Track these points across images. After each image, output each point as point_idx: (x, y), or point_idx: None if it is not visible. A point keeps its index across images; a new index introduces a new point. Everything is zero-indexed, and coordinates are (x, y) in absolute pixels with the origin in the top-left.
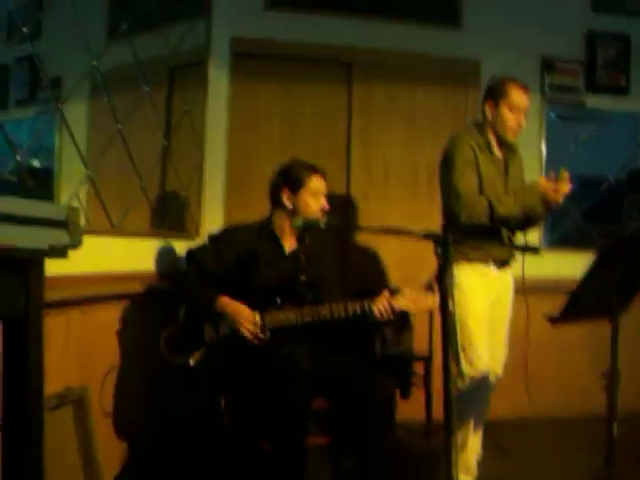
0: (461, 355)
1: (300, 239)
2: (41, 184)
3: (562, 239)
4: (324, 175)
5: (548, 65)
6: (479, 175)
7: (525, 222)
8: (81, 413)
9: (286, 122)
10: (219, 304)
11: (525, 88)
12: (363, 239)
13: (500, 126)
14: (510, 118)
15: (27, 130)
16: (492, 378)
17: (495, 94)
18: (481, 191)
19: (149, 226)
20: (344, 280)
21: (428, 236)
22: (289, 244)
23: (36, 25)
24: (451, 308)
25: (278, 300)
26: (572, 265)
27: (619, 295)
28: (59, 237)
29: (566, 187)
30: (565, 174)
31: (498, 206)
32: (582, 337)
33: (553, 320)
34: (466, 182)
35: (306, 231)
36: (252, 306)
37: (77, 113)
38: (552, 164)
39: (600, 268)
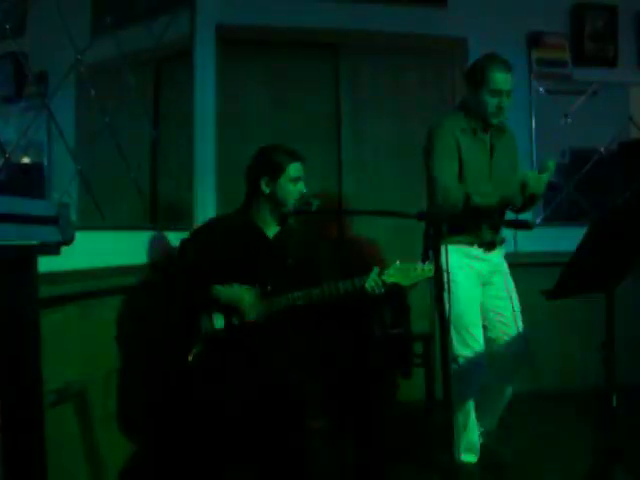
0: (454, 337)
1: (283, 224)
2: (32, 180)
3: (555, 213)
4: (303, 160)
5: (534, 40)
6: (461, 159)
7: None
8: (82, 408)
9: (275, 107)
10: (215, 294)
11: (506, 69)
12: (357, 221)
13: (480, 111)
14: (490, 103)
15: (14, 127)
16: (514, 355)
17: (475, 80)
18: (462, 175)
19: (142, 218)
20: (340, 262)
21: (420, 216)
22: (272, 230)
23: (20, 21)
24: (445, 287)
25: (269, 287)
26: (567, 239)
27: (613, 267)
28: (50, 234)
29: (546, 177)
30: (551, 166)
31: (474, 195)
32: (580, 309)
33: (547, 294)
34: (443, 169)
35: (294, 215)
36: None
37: (64, 108)
38: (542, 139)
39: (593, 240)
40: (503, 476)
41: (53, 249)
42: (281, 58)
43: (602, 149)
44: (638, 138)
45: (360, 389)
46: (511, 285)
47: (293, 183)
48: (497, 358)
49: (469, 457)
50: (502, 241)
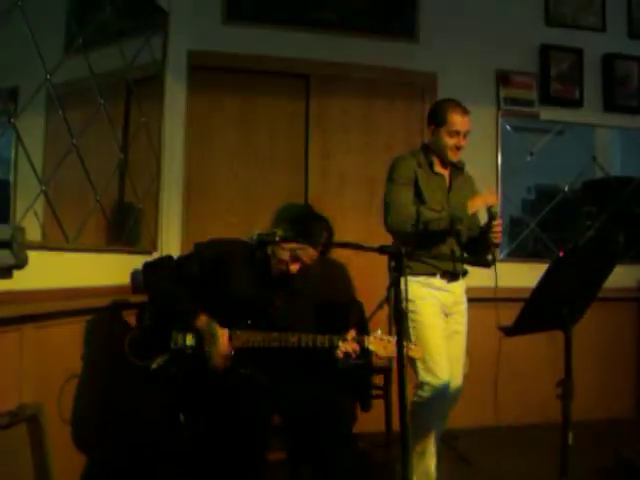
0: (420, 366)
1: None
2: None
3: (519, 249)
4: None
5: (503, 78)
6: (419, 190)
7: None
8: (35, 430)
9: (243, 134)
10: (199, 322)
11: (465, 112)
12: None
13: (439, 149)
14: (449, 142)
15: None
16: (453, 391)
17: (436, 120)
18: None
19: (106, 240)
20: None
21: (383, 250)
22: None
23: None
24: (405, 318)
25: (249, 322)
26: (529, 275)
27: (572, 306)
28: (3, 257)
29: (491, 199)
30: (493, 211)
31: (424, 213)
32: (540, 345)
33: (506, 331)
34: (397, 193)
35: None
36: (222, 320)
37: (34, 126)
38: (508, 175)
39: (553, 278)
40: None
41: (5, 273)
42: (252, 86)
43: (566, 187)
44: (601, 178)
45: (320, 420)
46: (466, 320)
47: (283, 250)
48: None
49: None
50: (464, 273)
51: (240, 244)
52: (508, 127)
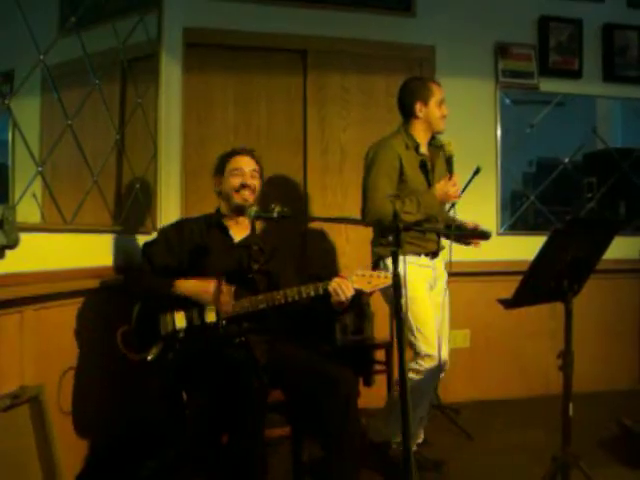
0: (417, 336)
1: (252, 228)
2: None
3: (519, 223)
4: (248, 153)
5: (501, 50)
6: (404, 175)
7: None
8: (37, 412)
9: (241, 111)
10: (177, 287)
11: (439, 83)
12: (319, 226)
13: (433, 121)
14: (440, 112)
15: None
16: (443, 363)
17: (423, 94)
18: (403, 189)
19: (106, 221)
20: (302, 268)
21: (379, 225)
22: (239, 233)
23: None
24: (404, 292)
25: (232, 289)
26: (530, 249)
27: (571, 277)
28: None
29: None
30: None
31: (401, 213)
32: (542, 318)
33: (506, 303)
34: (378, 189)
35: (257, 220)
36: None
37: (30, 108)
38: (507, 148)
39: (551, 250)
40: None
41: None
42: (248, 62)
43: (566, 160)
44: (602, 149)
45: (324, 395)
46: (446, 293)
47: (232, 175)
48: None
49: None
50: (442, 248)
51: (201, 219)
52: (507, 100)
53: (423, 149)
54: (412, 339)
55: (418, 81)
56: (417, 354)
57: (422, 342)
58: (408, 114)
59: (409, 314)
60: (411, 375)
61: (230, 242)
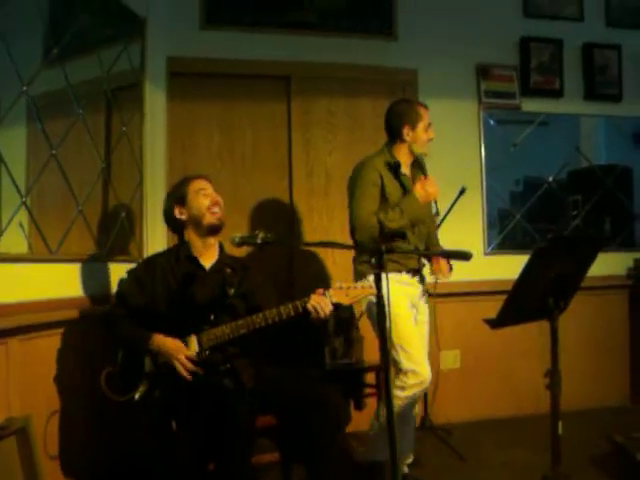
0: (400, 353)
1: (220, 251)
2: None
3: (507, 242)
4: (202, 176)
5: (483, 72)
6: (385, 192)
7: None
8: (25, 443)
9: (225, 138)
10: (153, 343)
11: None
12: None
13: (419, 144)
14: (427, 136)
15: None
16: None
17: (411, 118)
18: (383, 206)
19: (91, 250)
20: (288, 289)
21: (362, 248)
22: (208, 259)
23: None
24: (387, 311)
25: (212, 317)
26: (518, 267)
27: (556, 295)
28: None
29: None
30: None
31: (386, 222)
32: (531, 337)
33: (491, 323)
34: (363, 207)
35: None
36: (187, 328)
37: (16, 138)
38: (492, 168)
39: (534, 269)
40: None
41: None
42: (232, 90)
43: (550, 178)
44: (585, 167)
45: (310, 422)
46: (426, 311)
47: (198, 195)
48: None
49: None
50: (423, 265)
51: (170, 252)
52: (491, 121)
53: (405, 169)
54: (395, 356)
55: (406, 104)
56: (400, 370)
57: (405, 358)
58: (394, 136)
59: (392, 332)
60: (397, 393)
61: (202, 271)
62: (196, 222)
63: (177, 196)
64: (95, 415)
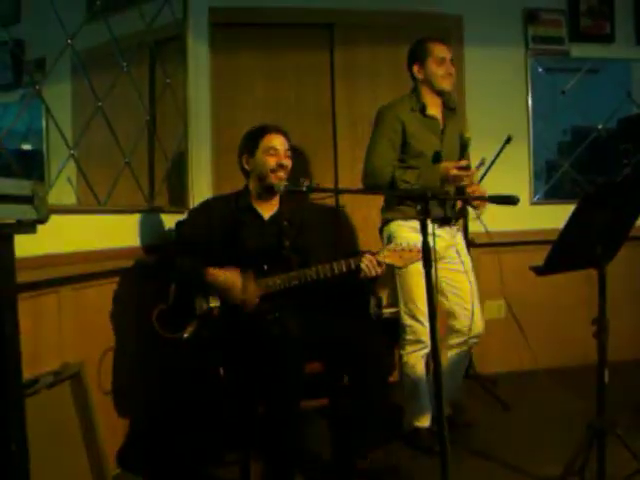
0: (402, 308)
1: (280, 204)
2: (33, 166)
3: (554, 191)
4: (280, 132)
5: (530, 17)
6: (408, 139)
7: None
8: (79, 388)
9: (269, 88)
10: (208, 277)
11: (442, 41)
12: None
13: (433, 81)
14: (439, 71)
15: (14, 114)
16: (468, 333)
17: (419, 56)
18: (408, 153)
19: (139, 201)
20: (336, 242)
21: (408, 195)
22: (267, 210)
23: (15, 8)
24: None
25: (265, 267)
26: (563, 217)
27: (604, 243)
28: (26, 212)
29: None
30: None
31: (399, 180)
32: (577, 286)
33: (537, 270)
34: (379, 153)
35: (288, 195)
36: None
37: (61, 93)
38: (539, 116)
39: (582, 216)
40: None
41: (29, 228)
42: (275, 39)
43: (599, 126)
44: (637, 113)
45: (356, 368)
46: (467, 261)
47: (267, 154)
48: (454, 330)
49: (422, 422)
50: (458, 218)
51: (230, 197)
52: (539, 68)
53: (432, 111)
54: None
55: (417, 43)
56: (402, 324)
57: (405, 314)
58: (412, 78)
59: (400, 284)
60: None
61: (260, 220)
62: (259, 177)
63: (248, 146)
64: (146, 358)
